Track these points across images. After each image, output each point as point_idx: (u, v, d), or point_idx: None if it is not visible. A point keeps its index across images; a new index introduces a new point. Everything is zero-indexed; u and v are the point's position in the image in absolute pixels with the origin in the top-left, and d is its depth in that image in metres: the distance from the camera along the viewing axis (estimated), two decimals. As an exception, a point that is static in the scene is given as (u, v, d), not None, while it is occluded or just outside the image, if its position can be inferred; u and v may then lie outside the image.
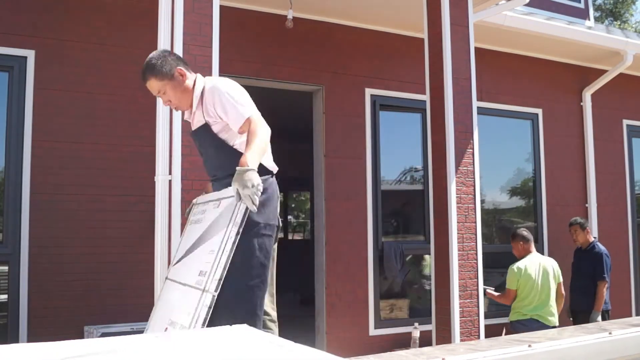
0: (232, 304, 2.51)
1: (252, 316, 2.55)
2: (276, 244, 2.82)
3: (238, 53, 5.24)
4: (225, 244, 2.44)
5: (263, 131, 2.61)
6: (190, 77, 2.84)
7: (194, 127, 2.89)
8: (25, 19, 4.54)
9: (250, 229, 2.54)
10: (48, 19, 4.61)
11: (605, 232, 7.11)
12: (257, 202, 2.41)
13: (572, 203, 7.03)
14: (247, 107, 2.69)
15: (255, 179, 2.41)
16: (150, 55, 2.83)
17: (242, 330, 1.71)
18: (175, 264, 2.91)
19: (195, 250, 2.73)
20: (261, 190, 2.43)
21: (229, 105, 2.68)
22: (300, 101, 6.31)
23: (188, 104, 2.85)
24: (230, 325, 2.20)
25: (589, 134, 7.15)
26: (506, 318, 5.47)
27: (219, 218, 2.61)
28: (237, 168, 2.43)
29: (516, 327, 5.14)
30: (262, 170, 2.63)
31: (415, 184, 6.33)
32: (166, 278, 2.96)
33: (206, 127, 2.77)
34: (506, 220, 7.04)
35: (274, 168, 2.85)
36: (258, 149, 2.54)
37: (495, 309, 6.43)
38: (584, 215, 7.03)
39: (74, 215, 4.52)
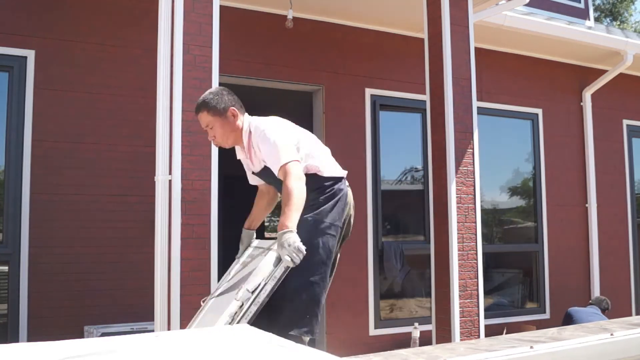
0: (293, 297, 2.78)
1: (311, 311, 2.82)
2: (339, 245, 3.07)
3: (238, 53, 5.24)
4: (260, 291, 2.64)
5: (296, 187, 2.72)
6: (241, 119, 2.99)
7: (255, 169, 3.10)
8: (25, 19, 4.54)
9: (316, 227, 2.85)
10: (48, 19, 4.61)
11: (605, 232, 7.11)
12: (297, 261, 2.61)
13: (572, 203, 7.03)
14: (284, 152, 2.82)
15: (293, 240, 2.60)
16: (209, 90, 3.05)
17: (242, 330, 1.70)
18: (216, 296, 3.01)
19: (234, 290, 2.86)
20: (301, 250, 2.61)
21: (267, 151, 2.87)
22: (300, 101, 6.30)
23: (231, 142, 3.03)
24: (290, 318, 2.72)
25: (589, 134, 7.15)
26: (506, 318, 5.47)
27: (262, 266, 2.78)
28: (278, 233, 2.66)
29: None
30: (324, 179, 2.96)
31: (415, 184, 6.33)
32: (201, 310, 3.00)
33: (268, 169, 2.93)
34: (507, 220, 7.04)
35: (340, 173, 3.06)
36: (295, 208, 2.69)
37: (496, 308, 6.43)
38: (584, 215, 7.04)
39: (73, 215, 4.52)
